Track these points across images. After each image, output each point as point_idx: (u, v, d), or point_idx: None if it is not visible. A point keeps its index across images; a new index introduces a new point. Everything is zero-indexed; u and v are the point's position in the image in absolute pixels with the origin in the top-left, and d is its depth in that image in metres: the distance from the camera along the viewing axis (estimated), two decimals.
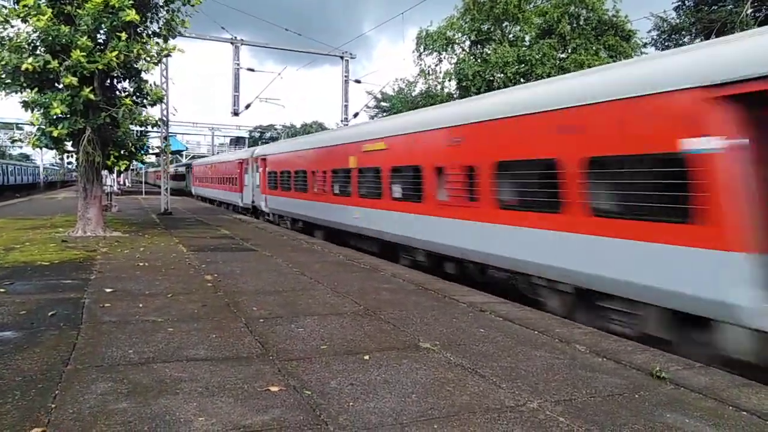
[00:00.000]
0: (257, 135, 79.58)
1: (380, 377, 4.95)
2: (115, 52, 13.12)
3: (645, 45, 29.80)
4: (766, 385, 5.06)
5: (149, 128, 16.84)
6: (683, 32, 27.30)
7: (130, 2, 13.10)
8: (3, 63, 13.13)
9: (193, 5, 15.00)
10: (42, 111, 13.67)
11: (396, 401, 4.42)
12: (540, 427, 4.02)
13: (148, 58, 14.27)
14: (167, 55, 15.24)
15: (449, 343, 6.04)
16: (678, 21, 27.56)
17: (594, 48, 28.80)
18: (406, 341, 6.10)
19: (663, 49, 27.89)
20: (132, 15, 13.00)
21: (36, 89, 13.82)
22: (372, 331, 6.45)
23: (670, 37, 28.09)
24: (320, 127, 73.96)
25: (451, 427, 3.99)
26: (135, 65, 14.32)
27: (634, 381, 5.02)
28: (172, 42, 15.30)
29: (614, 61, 28.42)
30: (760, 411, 4.39)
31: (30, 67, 12.83)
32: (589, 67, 26.10)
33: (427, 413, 4.22)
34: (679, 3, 28.32)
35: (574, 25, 29.72)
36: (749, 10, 21.40)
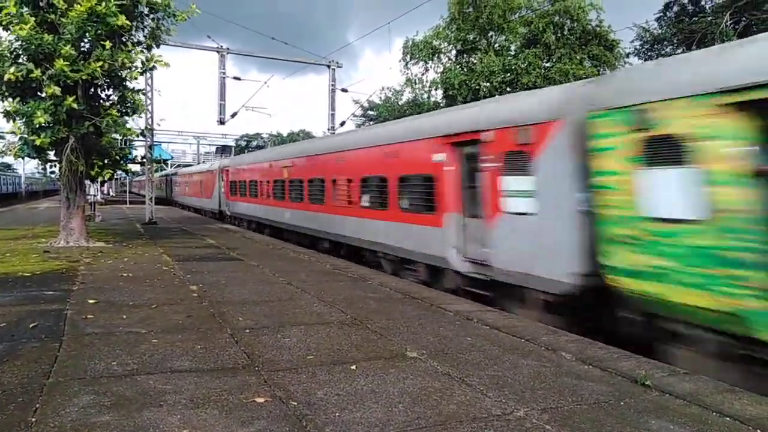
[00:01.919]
0: (243, 144, 79.29)
1: (367, 387, 4.93)
2: (100, 63, 13.01)
3: (628, 55, 30.26)
4: (749, 390, 5.13)
5: (133, 138, 16.73)
6: (665, 42, 27.77)
7: (118, 9, 13.02)
8: None
9: (177, 20, 14.94)
10: (24, 120, 13.51)
11: (383, 411, 4.40)
12: None
13: (133, 68, 14.19)
14: (152, 68, 15.16)
15: (436, 352, 6.03)
16: (660, 32, 28.03)
17: (578, 57, 29.18)
18: (393, 350, 6.09)
19: (646, 59, 28.35)
20: (122, 20, 12.91)
21: (18, 98, 13.66)
22: (359, 341, 6.42)
23: (652, 47, 28.56)
24: (307, 136, 73.89)
25: None
26: (119, 74, 14.23)
27: (620, 388, 5.05)
28: (157, 52, 15.25)
29: (599, 71, 28.82)
30: (743, 416, 4.43)
31: (12, 76, 12.69)
32: (574, 75, 26.43)
33: (414, 423, 4.20)
34: (661, 14, 28.82)
35: (559, 35, 30.11)
36: (728, 22, 21.85)
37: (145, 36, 15.14)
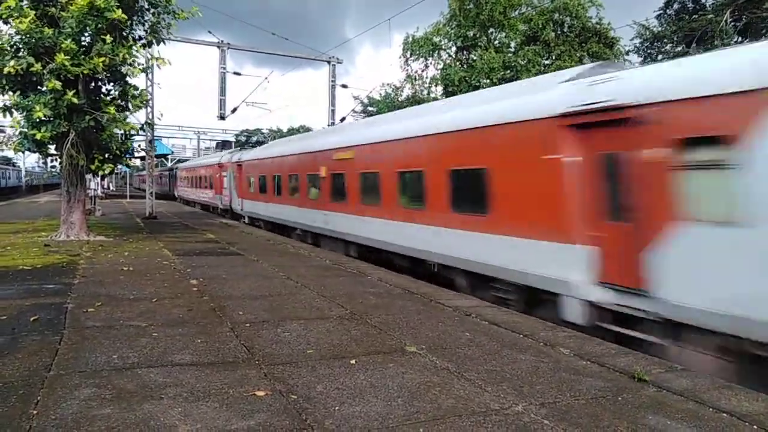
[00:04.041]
0: (243, 139, 79.20)
1: (366, 381, 4.96)
2: (102, 58, 12.99)
3: (628, 53, 30.21)
4: (744, 386, 5.16)
5: (133, 133, 16.72)
6: (665, 40, 27.73)
7: (116, 4, 12.99)
8: None
9: (177, 18, 14.90)
10: (24, 114, 13.49)
11: (382, 405, 4.44)
12: (525, 430, 4.06)
13: (135, 65, 14.16)
14: (153, 66, 15.17)
15: (435, 347, 6.07)
16: (660, 29, 27.99)
17: (578, 55, 29.14)
18: (392, 345, 6.12)
19: (646, 56, 28.32)
20: (118, 13, 12.86)
21: (18, 92, 13.64)
22: (358, 335, 6.46)
23: (652, 45, 28.51)
24: (307, 132, 73.70)
25: (437, 431, 4.01)
26: (120, 69, 14.21)
27: (617, 383, 5.08)
28: (158, 51, 15.24)
29: None
30: (739, 412, 4.47)
31: (12, 70, 12.67)
32: None
33: (413, 417, 4.24)
34: (661, 12, 28.78)
35: (559, 32, 30.06)
36: (729, 20, 21.83)
37: (145, 31, 15.11)
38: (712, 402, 4.68)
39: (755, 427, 4.23)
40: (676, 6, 28.29)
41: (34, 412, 4.11)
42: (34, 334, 6.13)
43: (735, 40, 22.16)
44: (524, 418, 4.27)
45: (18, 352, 5.48)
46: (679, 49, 25.24)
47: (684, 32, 24.79)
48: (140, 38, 15.07)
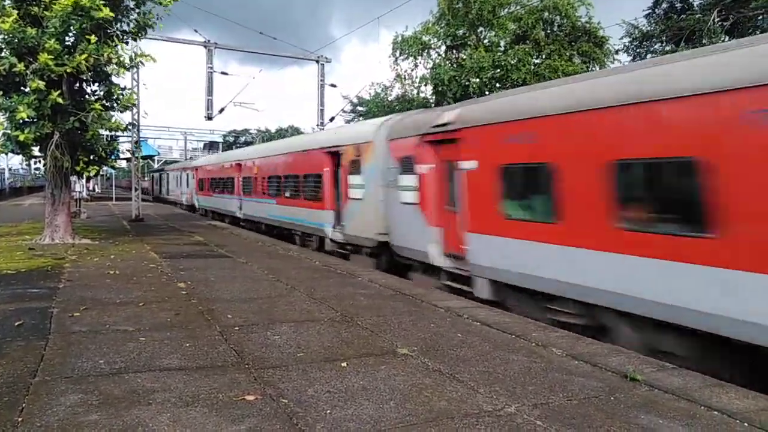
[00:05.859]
0: (231, 139, 78.71)
1: (358, 384, 4.91)
2: (84, 55, 12.79)
3: (617, 52, 30.35)
4: (736, 384, 5.18)
5: (119, 133, 16.51)
6: (654, 39, 27.90)
7: (103, 2, 12.80)
8: None
9: (165, 5, 14.69)
10: (7, 115, 13.27)
11: (374, 408, 4.39)
12: (517, 431, 4.03)
13: (119, 63, 13.98)
14: (138, 64, 14.96)
15: (427, 349, 6.03)
16: (649, 29, 28.15)
17: (568, 54, 29.24)
18: (383, 347, 6.07)
19: (635, 56, 28.47)
20: (105, 12, 12.65)
21: (1, 92, 13.42)
22: (349, 338, 6.40)
23: (641, 44, 28.68)
24: (296, 132, 73.45)
25: None
26: (105, 69, 14.01)
27: (610, 383, 5.08)
28: (144, 48, 15.07)
29: (588, 67, 28.94)
30: (730, 410, 4.48)
31: None
32: (564, 72, 26.53)
33: (406, 419, 4.19)
34: (650, 11, 28.95)
35: (549, 31, 30.14)
36: (716, 19, 22.02)
37: (131, 28, 14.92)
38: (703, 400, 4.69)
39: (746, 424, 4.24)
40: (664, 5, 28.47)
41: (19, 419, 4.02)
42: (19, 340, 6.01)
43: (723, 39, 22.36)
44: (517, 419, 4.25)
45: (2, 358, 5.38)
46: (668, 48, 25.42)
47: (672, 31, 24.99)
48: (125, 33, 14.85)
